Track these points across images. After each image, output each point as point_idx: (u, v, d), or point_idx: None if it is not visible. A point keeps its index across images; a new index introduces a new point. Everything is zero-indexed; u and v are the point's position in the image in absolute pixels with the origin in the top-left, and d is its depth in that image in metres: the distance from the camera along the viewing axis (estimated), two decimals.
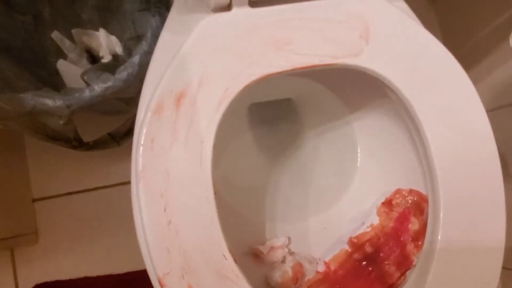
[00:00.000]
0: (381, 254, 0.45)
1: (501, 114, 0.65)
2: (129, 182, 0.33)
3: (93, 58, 0.65)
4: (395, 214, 0.45)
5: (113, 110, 0.49)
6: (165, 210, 0.31)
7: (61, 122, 0.43)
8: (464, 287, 0.33)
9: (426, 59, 0.37)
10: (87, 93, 0.41)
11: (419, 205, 0.45)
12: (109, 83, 0.41)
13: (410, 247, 0.44)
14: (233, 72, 0.34)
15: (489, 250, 0.34)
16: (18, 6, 0.54)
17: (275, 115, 0.57)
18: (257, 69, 0.34)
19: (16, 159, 0.63)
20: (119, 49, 0.63)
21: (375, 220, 0.46)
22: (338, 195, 0.49)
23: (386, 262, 0.44)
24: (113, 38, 0.63)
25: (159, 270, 0.30)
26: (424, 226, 0.43)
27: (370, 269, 0.44)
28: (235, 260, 0.32)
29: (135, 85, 0.43)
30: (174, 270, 0.31)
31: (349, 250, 0.46)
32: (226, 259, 0.31)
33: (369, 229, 0.46)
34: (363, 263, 0.45)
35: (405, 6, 0.38)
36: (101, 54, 0.63)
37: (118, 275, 0.64)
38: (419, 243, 0.43)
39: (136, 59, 0.42)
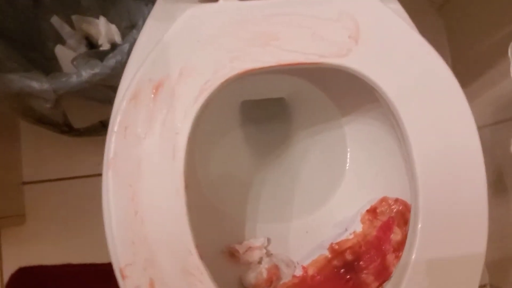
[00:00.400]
0: (361, 263, 0.44)
1: (504, 127, 0.63)
2: None
3: (92, 45, 0.65)
4: (379, 223, 0.44)
5: (104, 98, 0.48)
6: (132, 200, 0.31)
7: (48, 105, 0.43)
8: None
9: (416, 64, 0.35)
10: (74, 79, 0.41)
11: (403, 215, 0.43)
12: (97, 70, 0.41)
13: (390, 257, 0.42)
14: (215, 65, 0.33)
15: (468, 266, 0.32)
16: None
17: (267, 114, 0.56)
18: (240, 63, 0.34)
19: (9, 141, 0.63)
20: (118, 38, 0.63)
21: (359, 227, 0.45)
22: (324, 199, 0.48)
23: (365, 271, 0.43)
24: (113, 27, 0.63)
25: (121, 260, 0.30)
26: (406, 237, 0.42)
27: (348, 277, 0.43)
28: (200, 256, 0.31)
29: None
30: (137, 261, 0.30)
31: (329, 256, 0.44)
32: (192, 254, 0.31)
33: (351, 236, 0.45)
34: (342, 270, 0.43)
35: (399, 8, 0.37)
36: (100, 42, 0.63)
37: (101, 264, 0.63)
38: (400, 254, 0.42)
39: (125, 47, 0.42)
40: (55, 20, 0.58)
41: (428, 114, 0.35)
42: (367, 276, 0.43)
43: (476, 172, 0.35)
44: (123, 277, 0.30)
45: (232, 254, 0.43)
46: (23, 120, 0.48)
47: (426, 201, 0.34)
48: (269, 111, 0.55)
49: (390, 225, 0.43)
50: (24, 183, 0.64)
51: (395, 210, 0.44)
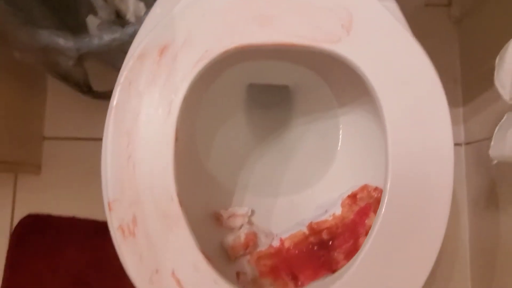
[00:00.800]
0: (335, 242, 0.46)
1: None
2: None
3: (121, 20, 0.70)
4: (357, 208, 0.47)
5: (121, 66, 0.53)
6: (127, 146, 0.35)
7: (71, 62, 0.48)
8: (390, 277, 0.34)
9: (402, 59, 0.38)
10: (95, 40, 0.46)
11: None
12: (117, 35, 0.46)
13: (362, 240, 0.45)
14: (216, 37, 0.37)
15: (418, 262, 0.35)
16: None
17: (271, 100, 0.59)
18: (238, 38, 0.37)
19: (36, 95, 0.69)
20: (144, 17, 0.68)
21: (338, 210, 0.48)
22: (311, 182, 0.51)
23: (337, 250, 0.45)
24: (141, 5, 0.68)
25: (111, 195, 0.34)
26: None
27: (321, 253, 0.46)
28: (180, 203, 0.35)
29: None
30: (124, 198, 0.34)
31: (307, 233, 0.47)
32: (172, 200, 0.34)
33: (330, 218, 0.48)
34: (316, 247, 0.46)
35: (394, 6, 0.40)
36: (127, 17, 0.68)
37: (103, 222, 0.68)
38: None
39: (144, 18, 0.46)
40: None
41: (407, 107, 0.38)
42: (338, 255, 0.45)
43: (444, 171, 0.37)
44: (110, 209, 0.34)
45: (217, 218, 0.47)
46: (50, 75, 0.53)
47: (392, 189, 0.36)
48: (273, 97, 0.59)
49: (367, 210, 0.46)
50: (44, 137, 0.70)
51: (373, 197, 0.46)
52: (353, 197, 0.47)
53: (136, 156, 0.34)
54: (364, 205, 0.46)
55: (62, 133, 0.70)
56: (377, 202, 0.46)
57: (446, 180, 0.37)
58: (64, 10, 0.58)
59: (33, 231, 0.68)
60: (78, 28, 0.61)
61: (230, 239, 0.45)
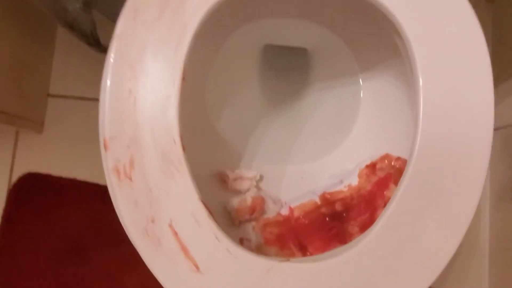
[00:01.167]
0: (349, 214, 0.42)
1: None
2: None
3: None
4: (375, 178, 0.43)
5: None
6: (130, 79, 0.31)
7: (78, 5, 0.45)
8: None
9: (442, 11, 0.34)
10: None
11: (402, 173, 0.42)
12: None
13: (380, 212, 0.41)
14: None
15: (452, 222, 0.31)
16: None
17: (287, 63, 0.55)
18: None
19: (43, 51, 0.66)
20: None
21: (355, 181, 0.44)
22: (326, 151, 0.47)
23: (351, 223, 0.42)
24: None
25: (107, 132, 0.31)
26: None
27: (333, 225, 0.42)
28: (183, 149, 0.31)
29: None
30: (122, 137, 0.31)
31: (319, 203, 0.44)
32: (175, 144, 0.31)
33: (345, 189, 0.44)
34: (327, 218, 0.42)
35: None
36: None
37: (104, 186, 0.65)
38: None
39: None
40: None
41: (443, 62, 0.34)
42: (353, 228, 0.41)
43: (481, 138, 0.33)
44: (105, 148, 0.31)
45: (222, 179, 0.44)
46: (57, 22, 0.50)
47: (421, 153, 0.32)
48: (290, 60, 0.55)
49: (387, 181, 0.42)
50: (49, 95, 0.67)
51: (395, 167, 0.42)
52: (372, 167, 0.43)
53: (138, 90, 0.31)
54: (384, 176, 0.42)
55: (67, 91, 0.67)
56: (399, 173, 0.42)
57: (483, 148, 0.33)
58: None
59: (32, 189, 0.66)
60: None
61: (235, 201, 0.41)
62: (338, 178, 0.45)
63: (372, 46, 0.45)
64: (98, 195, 0.64)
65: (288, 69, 0.55)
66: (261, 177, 0.45)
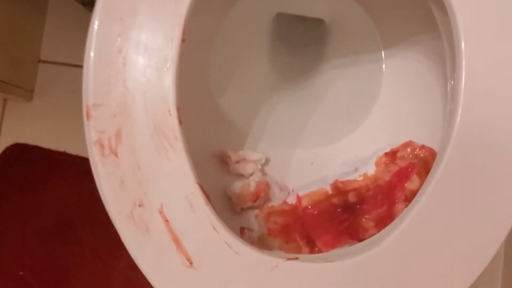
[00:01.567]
0: (364, 207, 0.38)
1: None
2: None
3: None
4: (395, 168, 0.38)
5: None
6: (120, 36, 0.26)
7: None
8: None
9: None
10: None
11: (427, 164, 0.37)
12: None
13: (400, 206, 0.36)
14: None
15: (494, 218, 0.26)
16: None
17: (301, 35, 0.50)
18: None
19: (35, 13, 0.61)
20: None
21: (371, 170, 0.39)
22: (341, 134, 0.43)
23: (366, 216, 0.37)
24: None
25: (91, 97, 0.26)
26: None
27: (345, 217, 0.38)
28: (180, 122, 0.27)
29: None
30: (108, 103, 0.26)
31: (330, 192, 0.39)
32: (171, 115, 0.26)
33: (360, 178, 0.39)
34: (339, 210, 0.38)
35: None
36: None
37: None
38: None
39: None
40: None
41: (493, 37, 0.29)
42: (367, 222, 0.37)
43: None
44: (88, 116, 0.26)
45: (224, 161, 0.39)
46: None
47: (457, 148, 0.27)
48: (304, 32, 0.49)
49: (409, 172, 0.37)
50: (40, 60, 0.62)
51: (418, 157, 0.37)
52: (392, 155, 0.39)
53: (129, 50, 0.26)
54: (406, 165, 0.38)
55: (60, 57, 0.62)
56: (423, 163, 0.37)
57: None
58: None
59: (20, 162, 0.62)
60: None
61: (237, 186, 0.37)
62: (353, 166, 0.40)
63: (400, 17, 0.40)
64: (90, 172, 0.60)
65: (302, 42, 0.50)
66: (267, 161, 0.41)
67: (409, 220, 0.26)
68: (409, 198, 0.36)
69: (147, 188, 0.26)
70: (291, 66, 0.48)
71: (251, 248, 0.26)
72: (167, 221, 0.26)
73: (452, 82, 0.32)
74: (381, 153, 0.39)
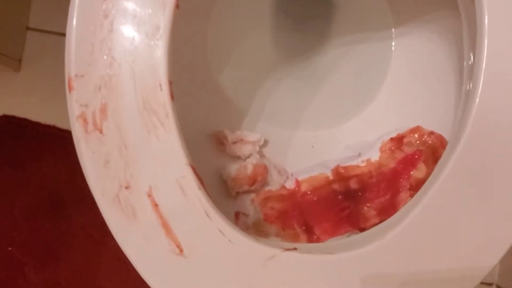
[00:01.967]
0: (366, 194, 0.36)
1: None
2: None
3: None
4: (401, 154, 0.36)
5: None
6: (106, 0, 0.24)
7: None
8: None
9: None
10: None
11: (435, 152, 0.35)
12: None
13: (404, 195, 0.35)
14: None
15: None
16: None
17: (306, 9, 0.47)
18: None
19: None
20: None
21: (375, 155, 0.37)
22: (344, 117, 0.40)
23: (367, 204, 0.36)
24: None
25: (73, 68, 0.23)
26: None
27: (345, 204, 0.36)
28: (172, 97, 0.24)
29: None
30: (91, 75, 0.23)
31: (331, 178, 0.37)
32: (162, 90, 0.24)
33: (363, 164, 0.37)
34: (339, 196, 0.36)
35: None
36: None
37: None
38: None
39: None
40: None
41: None
42: (369, 210, 0.35)
43: None
44: (69, 88, 0.23)
45: (220, 141, 0.37)
46: None
47: (474, 133, 0.25)
48: (309, 6, 0.46)
49: (415, 159, 0.35)
50: (28, 28, 0.59)
51: (426, 143, 0.35)
52: (398, 140, 0.37)
53: (116, 15, 0.23)
54: (412, 152, 0.36)
55: (49, 25, 0.58)
56: (432, 151, 0.35)
57: None
58: None
59: (7, 134, 0.59)
60: None
61: (233, 168, 0.35)
62: (356, 151, 0.38)
63: None
64: None
65: (306, 16, 0.47)
66: (265, 142, 0.38)
67: (417, 212, 0.24)
68: (415, 187, 0.34)
69: (135, 169, 0.24)
70: (294, 42, 0.45)
71: (246, 237, 0.24)
72: (156, 205, 0.24)
73: (471, 62, 0.29)
74: (387, 138, 0.37)
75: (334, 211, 0.36)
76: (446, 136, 0.35)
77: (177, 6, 0.24)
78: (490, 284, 0.59)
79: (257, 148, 0.37)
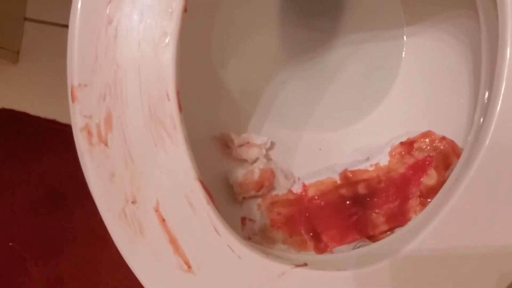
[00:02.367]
0: (374, 200, 0.36)
1: None
2: None
3: None
4: (411, 160, 0.35)
5: None
6: (109, 3, 0.22)
7: None
8: None
9: None
10: None
11: (447, 158, 0.34)
12: None
13: (413, 202, 0.34)
14: None
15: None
16: None
17: (315, 5, 0.45)
18: None
19: None
20: None
21: (384, 160, 0.36)
22: (353, 119, 0.39)
23: (376, 210, 0.35)
24: None
25: (76, 76, 0.22)
26: (442, 185, 0.33)
27: (353, 211, 0.35)
28: (180, 108, 0.23)
29: None
30: (95, 84, 0.22)
31: (338, 182, 0.37)
32: (169, 100, 0.23)
33: (371, 168, 0.37)
34: (348, 202, 0.36)
35: None
36: None
37: None
38: (428, 201, 0.33)
39: None
40: None
41: None
42: (377, 217, 0.35)
43: None
44: (73, 98, 0.22)
45: (226, 144, 0.36)
46: None
47: (496, 141, 0.24)
48: (318, 3, 0.45)
49: (426, 165, 0.34)
50: (26, 18, 0.57)
51: (438, 149, 0.35)
52: (408, 145, 0.36)
53: (120, 20, 0.22)
54: (423, 158, 0.35)
55: (47, 16, 0.56)
56: (442, 156, 0.35)
57: None
58: None
59: (6, 129, 0.58)
60: None
61: (240, 173, 0.34)
62: (365, 155, 0.37)
63: None
64: None
65: (315, 13, 0.45)
66: (272, 145, 0.38)
67: (432, 227, 0.24)
68: (425, 194, 0.34)
69: (141, 183, 0.23)
70: (302, 39, 0.44)
71: (256, 253, 0.23)
72: (163, 220, 0.23)
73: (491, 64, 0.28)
74: (397, 142, 0.36)
75: (342, 217, 0.35)
76: (459, 141, 0.34)
77: (185, 9, 0.23)
78: None
79: (264, 152, 0.36)
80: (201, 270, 0.23)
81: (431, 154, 0.35)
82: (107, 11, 0.22)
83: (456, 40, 0.35)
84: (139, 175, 0.23)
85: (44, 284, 0.57)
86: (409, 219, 0.33)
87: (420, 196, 0.34)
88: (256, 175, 0.34)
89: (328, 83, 0.42)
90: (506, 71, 0.24)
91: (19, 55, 0.57)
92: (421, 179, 0.34)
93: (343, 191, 0.36)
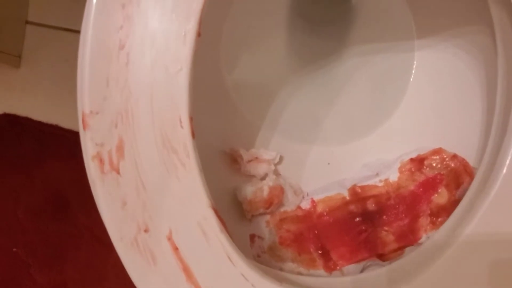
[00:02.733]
0: (384, 217, 0.35)
1: None
2: None
3: None
4: (421, 177, 0.35)
5: None
6: (121, 28, 0.22)
7: None
8: None
9: None
10: None
11: (458, 177, 0.34)
12: None
13: (424, 221, 0.34)
14: None
15: None
16: None
17: (324, 15, 0.44)
18: None
19: None
20: None
21: (394, 176, 0.36)
22: (362, 132, 0.39)
23: (385, 228, 0.35)
24: None
25: (87, 103, 0.22)
26: (453, 204, 0.33)
27: (363, 228, 0.35)
28: (193, 135, 0.23)
29: None
30: (107, 111, 0.22)
31: (347, 198, 0.36)
32: (182, 127, 0.22)
33: (381, 184, 0.36)
34: (357, 219, 0.35)
35: None
36: None
37: None
38: (439, 220, 0.33)
39: None
40: None
41: None
42: (387, 235, 0.34)
43: None
44: (84, 126, 0.22)
45: (234, 159, 0.36)
46: None
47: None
48: (327, 11, 0.44)
49: (436, 183, 0.34)
50: (28, 22, 0.56)
51: (449, 167, 0.34)
52: (418, 162, 0.36)
53: (132, 47, 0.22)
54: (433, 176, 0.35)
55: (50, 19, 0.56)
56: (454, 175, 0.34)
57: None
58: None
59: (9, 134, 0.58)
60: None
61: (249, 190, 0.33)
62: (374, 170, 0.37)
63: (442, 3, 0.35)
64: None
65: (324, 23, 0.44)
66: (281, 159, 0.37)
67: (449, 254, 0.23)
68: (435, 213, 0.33)
69: (154, 211, 0.22)
70: (310, 48, 0.43)
71: (271, 282, 0.23)
72: (176, 249, 0.23)
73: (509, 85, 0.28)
74: (406, 158, 0.36)
75: (351, 235, 0.35)
76: (470, 160, 0.34)
77: (198, 34, 0.23)
78: None
79: (273, 167, 0.36)
80: None
81: (442, 173, 0.34)
82: (119, 36, 0.22)
83: (470, 56, 0.34)
84: (151, 203, 0.23)
85: None
86: (419, 238, 0.33)
87: (430, 215, 0.33)
88: (266, 192, 0.33)
89: (337, 95, 0.42)
90: None
91: (21, 59, 0.56)
92: (432, 198, 0.34)
93: (352, 207, 0.36)
